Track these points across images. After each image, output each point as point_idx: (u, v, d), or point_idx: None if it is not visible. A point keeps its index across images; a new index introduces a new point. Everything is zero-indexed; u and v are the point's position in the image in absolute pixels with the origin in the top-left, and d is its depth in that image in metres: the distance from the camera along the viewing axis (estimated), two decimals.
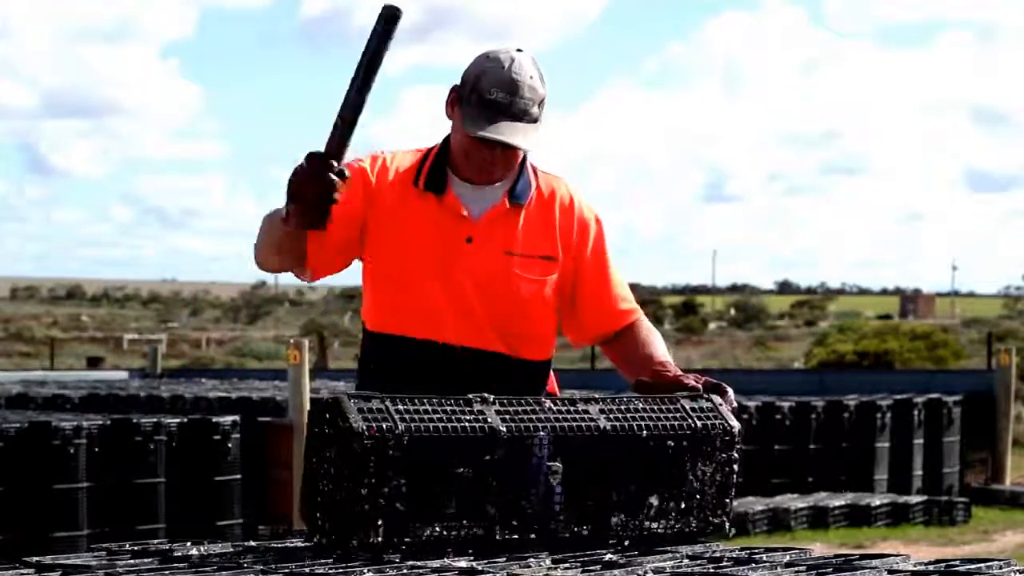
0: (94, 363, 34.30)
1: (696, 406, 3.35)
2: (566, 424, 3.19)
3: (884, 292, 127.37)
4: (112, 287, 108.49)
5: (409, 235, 3.66)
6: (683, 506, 3.28)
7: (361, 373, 3.81)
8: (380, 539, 3.00)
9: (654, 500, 3.26)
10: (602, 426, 3.21)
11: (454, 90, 3.65)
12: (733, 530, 3.37)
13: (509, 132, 3.56)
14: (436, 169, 3.69)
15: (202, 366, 34.70)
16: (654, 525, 3.26)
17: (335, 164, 3.33)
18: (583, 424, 3.20)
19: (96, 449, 10.07)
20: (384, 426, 3.02)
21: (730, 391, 3.45)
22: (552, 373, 3.88)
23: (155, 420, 10.64)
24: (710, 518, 3.32)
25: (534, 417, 3.16)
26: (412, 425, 3.04)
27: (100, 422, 10.33)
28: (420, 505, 3.04)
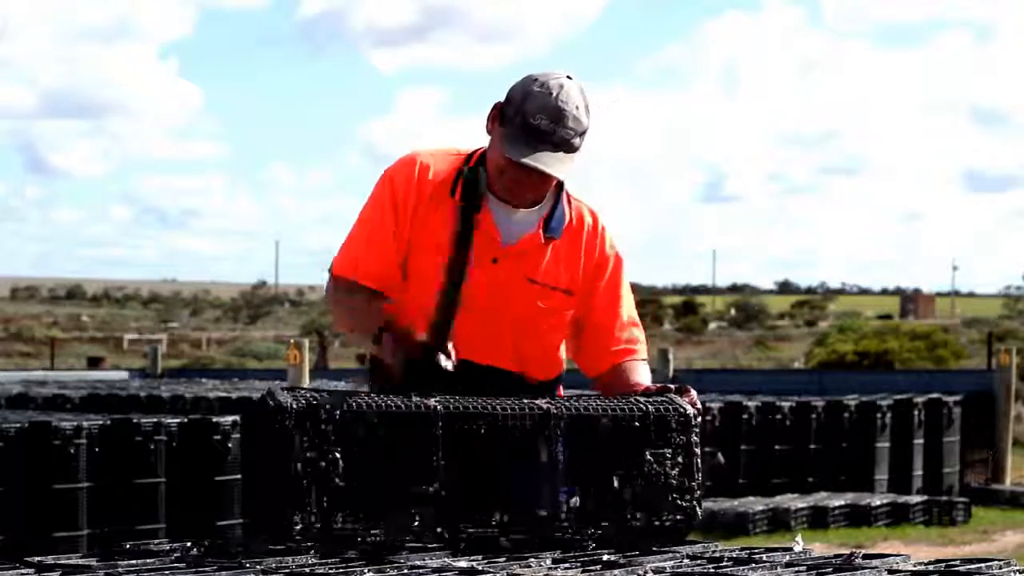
0: (94, 363, 34.30)
1: (649, 398, 3.38)
2: (508, 409, 3.21)
3: (884, 292, 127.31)
4: (112, 287, 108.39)
5: (437, 245, 3.64)
6: (646, 490, 3.27)
7: (372, 367, 3.79)
8: (318, 521, 3.02)
9: (615, 483, 3.27)
10: (544, 407, 3.23)
11: (497, 107, 3.62)
12: (700, 515, 3.36)
13: (547, 161, 3.54)
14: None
15: (202, 366, 34.74)
16: (619, 511, 3.26)
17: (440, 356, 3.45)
18: (525, 408, 3.22)
19: (96, 449, 10.05)
20: (312, 400, 3.05)
21: (693, 392, 3.46)
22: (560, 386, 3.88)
23: (155, 420, 10.63)
24: (678, 502, 3.31)
25: (474, 403, 3.19)
26: (343, 402, 3.08)
27: (100, 422, 10.32)
28: (360, 486, 3.06)
